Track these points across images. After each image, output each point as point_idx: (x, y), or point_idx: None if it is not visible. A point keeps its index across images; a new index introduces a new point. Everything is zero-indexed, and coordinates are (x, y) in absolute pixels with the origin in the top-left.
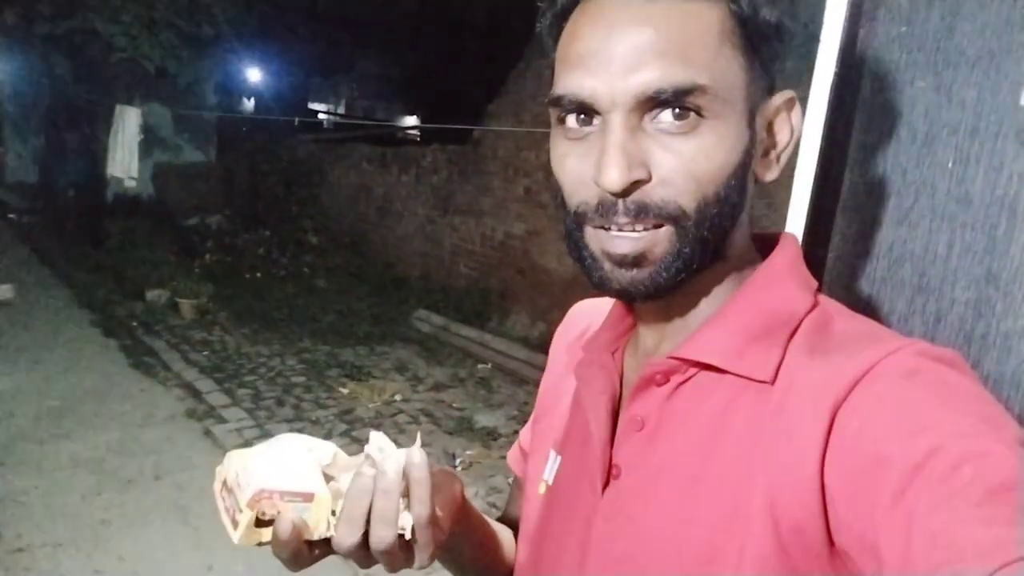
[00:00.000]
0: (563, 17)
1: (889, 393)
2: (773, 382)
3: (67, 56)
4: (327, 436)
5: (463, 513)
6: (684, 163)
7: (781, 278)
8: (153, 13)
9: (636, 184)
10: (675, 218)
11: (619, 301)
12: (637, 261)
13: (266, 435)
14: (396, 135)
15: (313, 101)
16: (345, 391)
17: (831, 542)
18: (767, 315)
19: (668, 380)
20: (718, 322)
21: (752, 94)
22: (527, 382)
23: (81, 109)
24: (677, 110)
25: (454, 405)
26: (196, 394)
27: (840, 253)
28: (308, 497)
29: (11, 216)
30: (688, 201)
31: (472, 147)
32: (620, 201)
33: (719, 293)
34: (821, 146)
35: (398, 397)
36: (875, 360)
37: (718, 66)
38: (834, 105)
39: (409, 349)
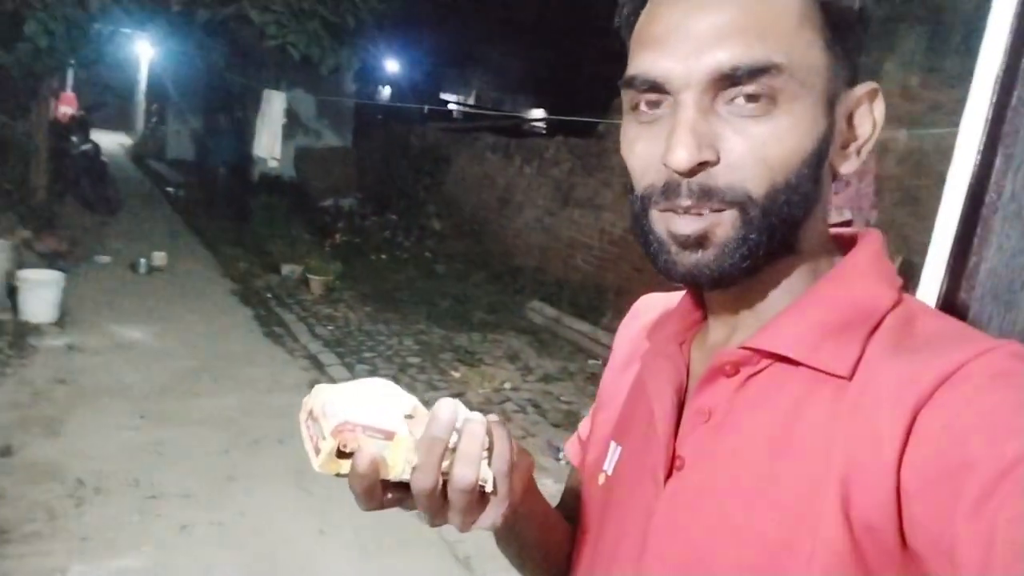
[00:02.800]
0: (641, 4)
1: (977, 394)
2: (851, 378)
3: (223, 42)
4: None
5: (531, 492)
6: (755, 147)
7: (863, 273)
8: (302, 3)
9: (703, 165)
10: (740, 203)
11: (689, 292)
12: (700, 242)
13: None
14: (522, 127)
15: (445, 91)
16: (457, 375)
17: (903, 542)
18: (846, 309)
19: (738, 371)
20: (794, 314)
21: (832, 81)
22: None
23: (233, 93)
24: (751, 91)
25: (562, 398)
26: (319, 366)
27: (995, 265)
28: (389, 435)
29: (169, 189)
30: (756, 187)
31: (596, 141)
32: (685, 182)
33: (793, 286)
34: (980, 147)
35: (507, 385)
36: (964, 359)
37: (797, 48)
38: (998, 102)
39: (521, 339)
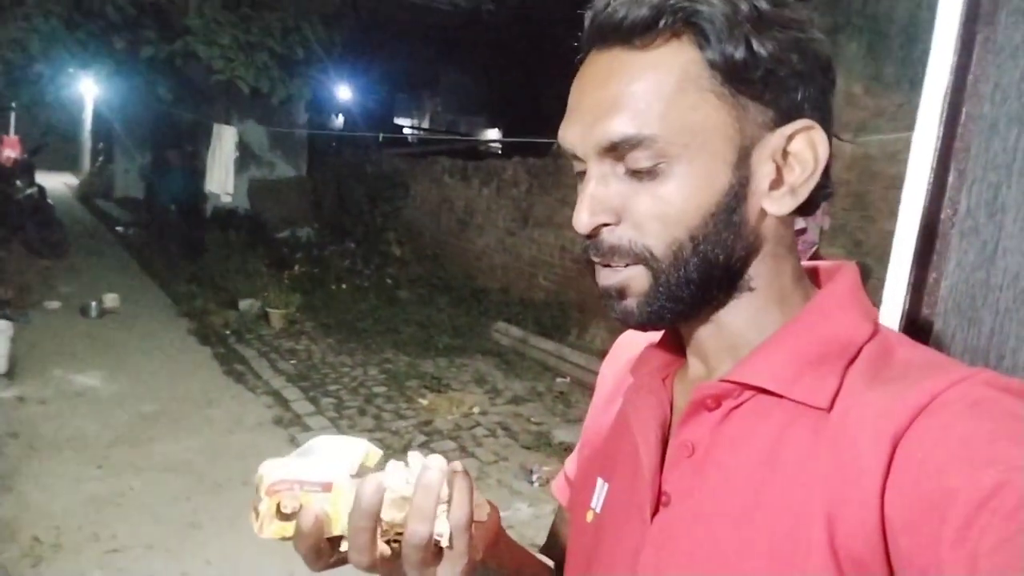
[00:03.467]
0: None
1: (954, 424)
2: (830, 409)
3: (169, 78)
4: (406, 447)
5: (498, 542)
6: (649, 208)
7: (839, 306)
8: (249, 37)
9: (605, 227)
10: (644, 259)
11: (669, 329)
12: (620, 294)
13: None
14: (478, 148)
15: (398, 116)
16: (424, 402)
17: (891, 574)
18: (824, 341)
19: (719, 405)
20: (772, 347)
21: (741, 132)
22: None
23: (182, 128)
24: (637, 160)
25: (532, 419)
26: (283, 402)
27: (955, 281)
28: (327, 487)
29: (119, 229)
30: (656, 243)
31: (552, 160)
32: (591, 241)
33: (765, 322)
34: (932, 164)
35: (476, 410)
36: (939, 389)
37: (674, 114)
38: (948, 118)
39: (488, 361)
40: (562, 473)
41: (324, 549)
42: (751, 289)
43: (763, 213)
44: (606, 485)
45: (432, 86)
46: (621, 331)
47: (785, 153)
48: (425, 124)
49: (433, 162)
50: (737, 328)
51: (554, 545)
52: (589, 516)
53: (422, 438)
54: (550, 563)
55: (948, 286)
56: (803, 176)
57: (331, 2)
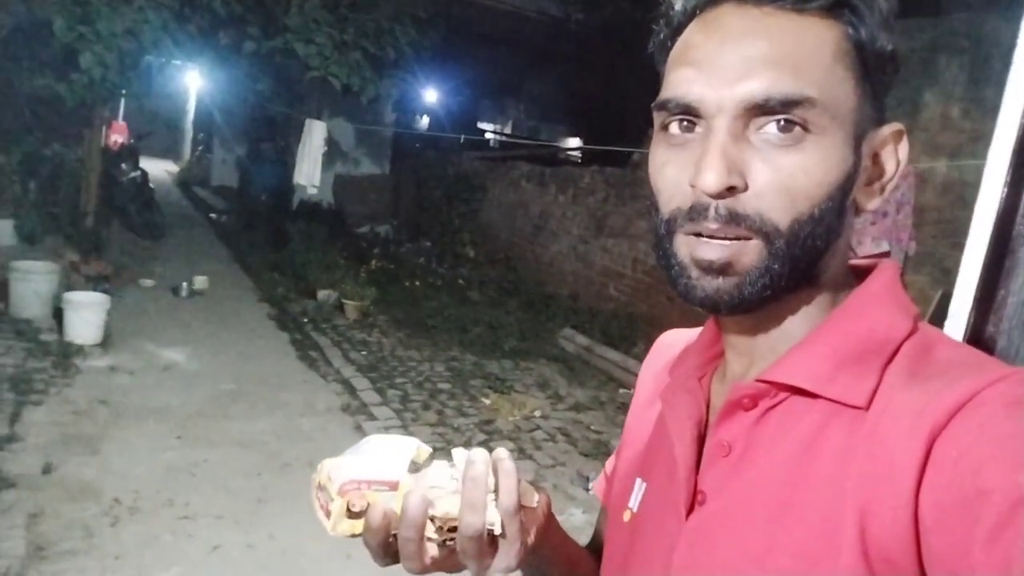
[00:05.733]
0: (678, 31)
1: (991, 423)
2: (868, 408)
3: (268, 74)
4: (467, 444)
5: (549, 529)
6: (782, 177)
7: (877, 303)
8: (344, 36)
9: (732, 191)
10: (766, 233)
11: (708, 326)
12: (723, 269)
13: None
14: (557, 156)
15: (481, 120)
16: (487, 402)
17: (922, 574)
18: (861, 339)
19: (756, 405)
20: (809, 346)
21: (860, 119)
22: None
23: (276, 122)
24: (782, 122)
25: (592, 427)
26: (352, 391)
27: (1023, 298)
28: (393, 485)
29: (212, 216)
30: (780, 216)
31: (630, 170)
32: (713, 206)
33: (810, 318)
34: (1007, 178)
35: (537, 413)
36: (978, 388)
37: (829, 83)
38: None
39: (552, 367)
40: (603, 473)
41: (392, 545)
42: (817, 283)
43: (853, 205)
44: (644, 485)
45: (516, 93)
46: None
47: (877, 153)
48: (507, 129)
49: (512, 167)
50: (787, 322)
51: (597, 543)
52: (626, 516)
53: (482, 437)
54: (594, 558)
55: (1015, 302)
56: (889, 176)
57: (424, 6)
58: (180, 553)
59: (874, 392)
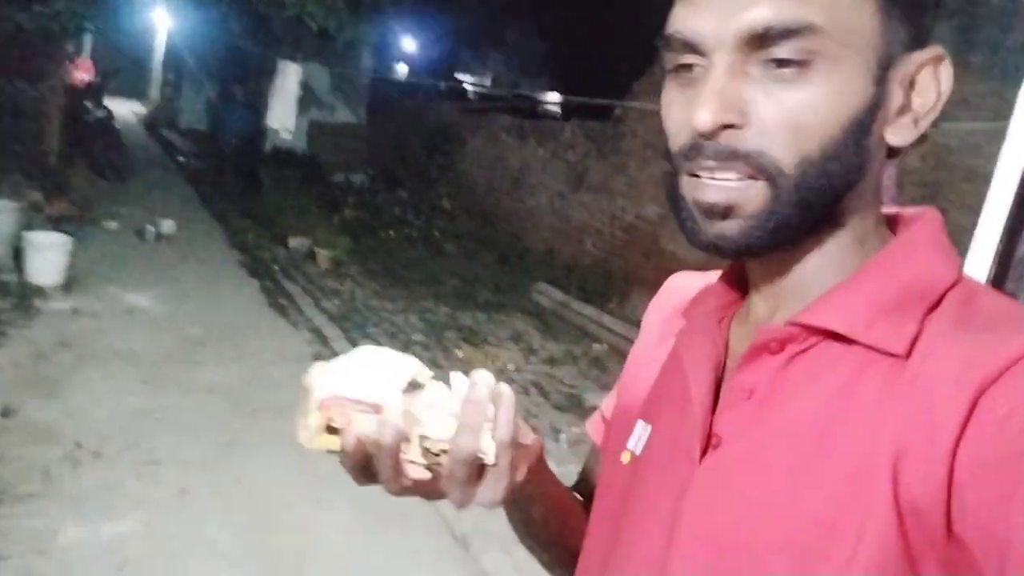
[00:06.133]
0: None
1: None
2: (907, 356)
3: (241, 13)
4: None
5: (539, 470)
6: (785, 112)
7: (921, 249)
8: None
9: (729, 128)
10: (769, 172)
11: (730, 268)
12: (726, 212)
13: None
14: (537, 109)
15: (460, 71)
16: (460, 354)
17: (949, 529)
18: (903, 285)
19: (783, 349)
20: (846, 290)
21: (886, 44)
22: None
23: (249, 64)
24: (785, 53)
25: (565, 381)
26: (323, 339)
27: None
28: (377, 408)
29: (180, 159)
30: (785, 154)
31: (612, 125)
32: (708, 143)
33: (842, 262)
34: None
35: (511, 366)
36: None
37: (839, 7)
38: None
39: (526, 321)
40: (598, 413)
41: (369, 467)
42: (841, 225)
43: (881, 142)
44: (648, 427)
45: (496, 44)
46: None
47: (913, 81)
48: (486, 81)
49: (491, 119)
50: (814, 266)
51: (585, 486)
52: (626, 457)
53: None
54: (581, 502)
55: None
56: (926, 108)
57: None
58: (145, 497)
59: (915, 340)
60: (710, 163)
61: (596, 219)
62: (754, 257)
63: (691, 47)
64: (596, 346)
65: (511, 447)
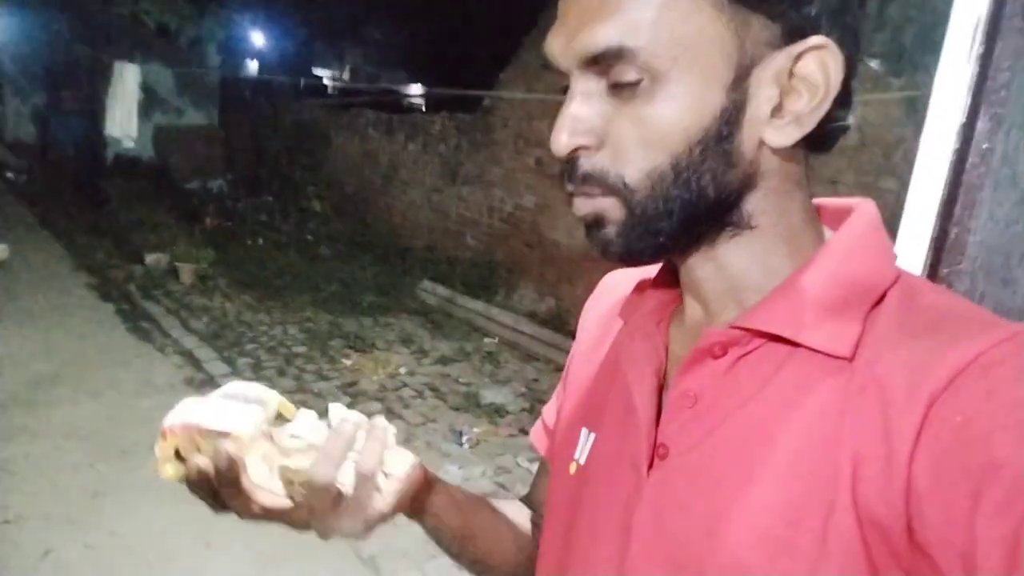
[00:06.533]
0: None
1: (1001, 387)
2: (852, 359)
3: (66, 12)
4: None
5: (423, 499)
6: (630, 130)
7: (860, 246)
8: None
9: (583, 150)
10: (617, 189)
11: (664, 268)
12: (597, 223)
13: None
14: (402, 102)
15: (317, 66)
16: (348, 362)
17: (910, 540)
18: (843, 285)
19: (726, 352)
20: (785, 291)
21: (740, 48)
22: (535, 358)
23: (80, 67)
24: (617, 76)
25: (460, 380)
26: (195, 362)
27: (986, 237)
28: (225, 435)
29: (9, 175)
30: (632, 171)
31: (482, 116)
32: (565, 165)
33: (773, 263)
34: (966, 105)
35: (403, 370)
36: (983, 347)
37: (664, 24)
38: (983, 56)
39: (414, 321)
40: (540, 421)
41: (218, 495)
42: (752, 227)
43: (762, 144)
44: (592, 435)
45: (353, 36)
46: (550, 292)
47: (791, 75)
48: (345, 75)
49: (356, 115)
50: (739, 269)
51: (535, 495)
52: (572, 468)
53: (346, 400)
54: (517, 513)
55: (977, 242)
56: (811, 103)
57: None
58: (5, 565)
59: (859, 341)
60: (570, 187)
61: (474, 212)
62: (641, 262)
63: (559, 73)
64: (487, 340)
65: (372, 478)
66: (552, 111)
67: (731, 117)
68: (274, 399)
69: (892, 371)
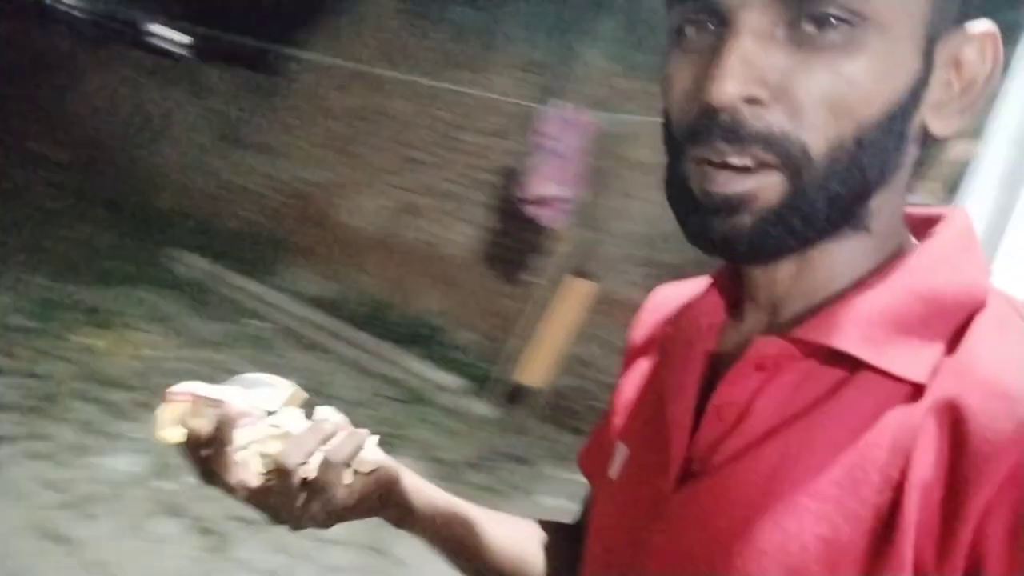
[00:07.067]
0: None
1: None
2: (927, 385)
3: None
4: (51, 397)
5: (397, 499)
6: (821, 88)
7: (948, 259)
8: None
9: (752, 103)
10: (794, 160)
11: (723, 270)
12: (738, 207)
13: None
14: (170, 47)
15: None
16: (84, 340)
17: None
18: (926, 301)
19: (778, 366)
20: (856, 302)
21: (933, 13)
22: (315, 347)
23: None
24: (824, 15)
25: (225, 367)
26: None
27: None
28: (218, 404)
29: None
30: (816, 139)
31: (273, 76)
32: (723, 122)
33: (856, 268)
34: None
35: (153, 352)
36: None
37: None
38: None
39: (167, 296)
40: (589, 444)
41: (209, 466)
42: (865, 225)
43: (921, 130)
44: (625, 450)
45: None
46: (335, 277)
47: (958, 61)
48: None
49: (118, 54)
50: (825, 275)
51: (582, 518)
52: (608, 485)
53: (80, 386)
54: (526, 536)
55: None
56: (974, 93)
57: None
58: None
59: (936, 366)
60: (725, 146)
61: (252, 181)
62: (768, 260)
63: (708, 5)
64: (257, 323)
65: (336, 468)
66: (351, 82)
67: (918, 90)
68: (285, 389)
69: (973, 409)
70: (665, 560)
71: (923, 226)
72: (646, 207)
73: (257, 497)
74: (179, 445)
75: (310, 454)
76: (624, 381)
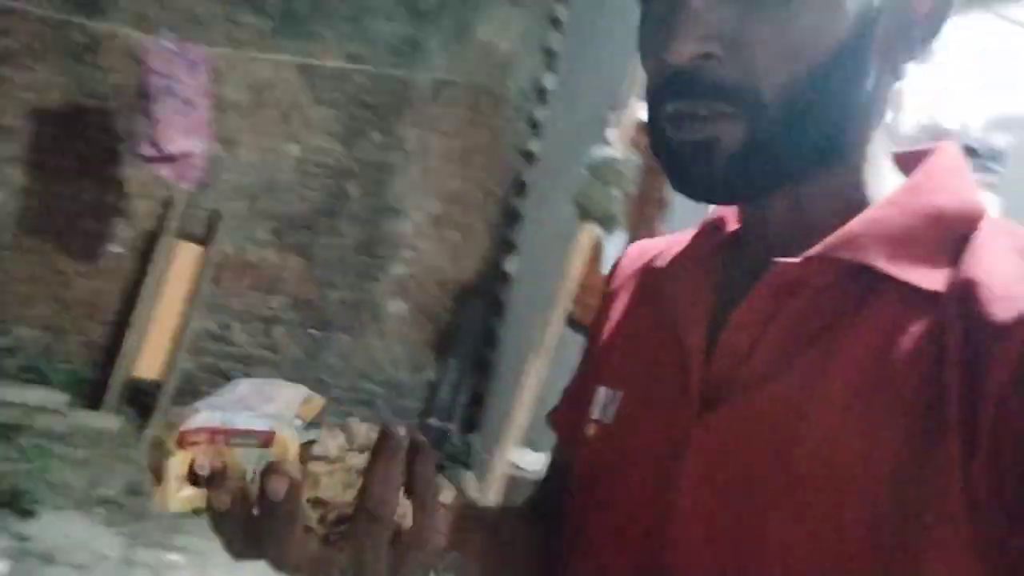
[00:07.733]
0: None
1: None
2: (945, 293)
3: None
4: None
5: (469, 536)
6: (768, 35)
7: (950, 177)
8: None
9: (706, 58)
10: (751, 106)
11: (715, 215)
12: (706, 151)
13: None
14: None
15: None
16: None
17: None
18: (933, 217)
19: (799, 285)
20: (870, 222)
21: None
22: None
23: None
24: None
25: None
26: None
27: None
28: (267, 438)
29: None
30: (767, 83)
31: None
32: (685, 78)
33: (856, 200)
34: None
35: None
36: None
37: None
38: None
39: None
40: (563, 400)
41: (253, 531)
42: (848, 158)
43: (887, 57)
44: (617, 392)
45: None
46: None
47: None
48: None
49: None
50: (819, 205)
51: (547, 487)
52: (591, 430)
53: None
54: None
55: None
56: (933, 19)
57: None
58: None
59: (953, 275)
60: (686, 102)
61: None
62: (749, 199)
63: None
64: None
65: (431, 508)
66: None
67: (870, 24)
68: (299, 393)
69: (987, 297)
70: (700, 486)
71: (916, 160)
72: (252, 155)
73: (326, 563)
74: (197, 511)
75: (398, 489)
76: (604, 330)
